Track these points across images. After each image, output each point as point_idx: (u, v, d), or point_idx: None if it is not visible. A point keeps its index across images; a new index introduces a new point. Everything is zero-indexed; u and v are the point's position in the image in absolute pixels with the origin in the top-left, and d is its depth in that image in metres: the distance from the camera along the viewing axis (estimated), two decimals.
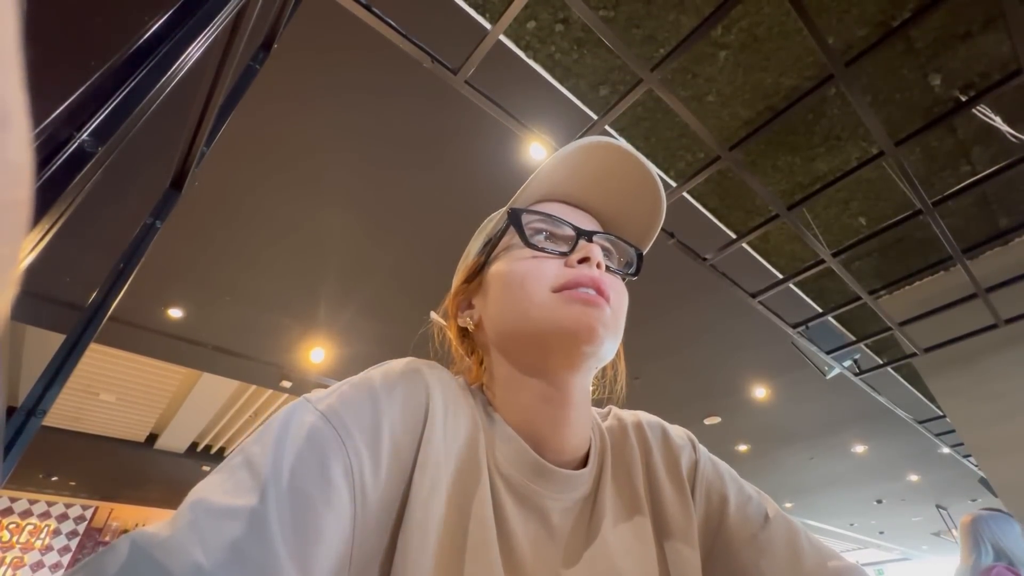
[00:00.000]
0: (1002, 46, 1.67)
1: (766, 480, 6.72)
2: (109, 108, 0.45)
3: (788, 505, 7.99)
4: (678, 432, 0.53)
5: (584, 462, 0.46)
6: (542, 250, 0.44)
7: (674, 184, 2.18)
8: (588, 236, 0.45)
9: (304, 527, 0.28)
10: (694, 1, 1.60)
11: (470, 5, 1.60)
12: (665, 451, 0.50)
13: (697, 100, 1.92)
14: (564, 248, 0.45)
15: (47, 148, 0.40)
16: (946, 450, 4.06)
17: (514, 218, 0.45)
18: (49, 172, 0.39)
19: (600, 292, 0.41)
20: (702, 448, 0.52)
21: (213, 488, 0.29)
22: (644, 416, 0.54)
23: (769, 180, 2.25)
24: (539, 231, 0.46)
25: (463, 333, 0.52)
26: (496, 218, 0.52)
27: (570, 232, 0.45)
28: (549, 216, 0.46)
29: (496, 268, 0.46)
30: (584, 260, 0.43)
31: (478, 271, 0.48)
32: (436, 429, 0.38)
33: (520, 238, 0.44)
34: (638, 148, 2.10)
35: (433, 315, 0.56)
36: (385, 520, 0.33)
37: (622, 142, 0.46)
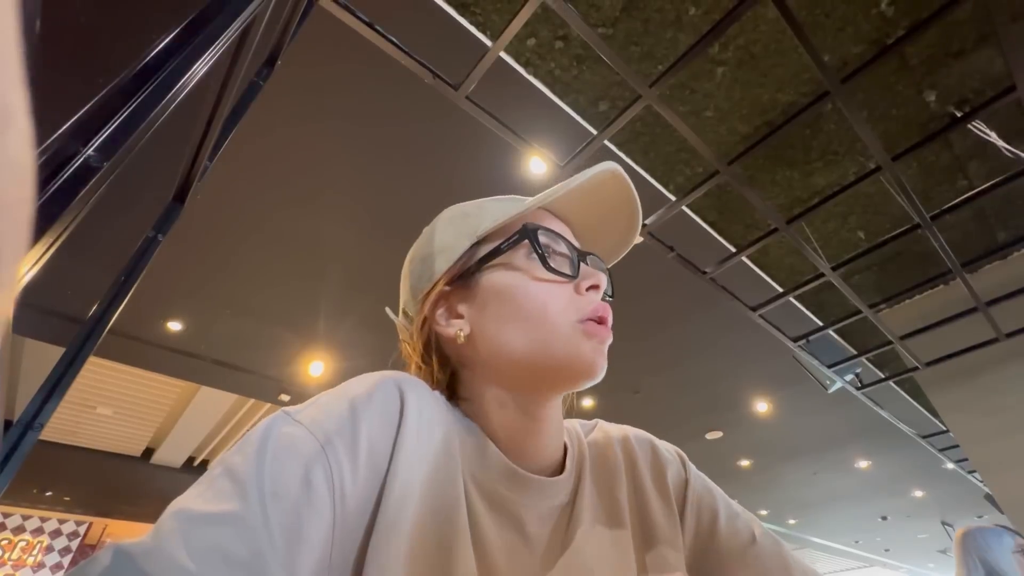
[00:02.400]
0: (995, 63, 1.70)
1: (769, 496, 6.64)
2: (115, 124, 0.45)
3: (792, 522, 7.88)
4: (667, 447, 0.53)
5: (560, 469, 0.46)
6: (558, 273, 0.44)
7: (673, 198, 2.20)
8: (584, 258, 0.46)
9: (287, 529, 0.29)
10: (691, 19, 1.63)
11: (471, 23, 1.63)
12: (653, 463, 0.51)
13: (695, 115, 1.94)
14: (565, 268, 0.45)
15: (53, 163, 0.40)
16: (950, 465, 4.02)
17: (533, 236, 0.44)
18: (55, 187, 0.40)
19: (605, 321, 0.44)
20: (691, 464, 0.53)
21: (194, 498, 0.29)
22: (632, 431, 0.54)
23: (768, 194, 2.27)
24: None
25: (430, 340, 0.47)
26: (474, 213, 0.49)
27: (565, 250, 0.46)
28: (553, 233, 0.46)
29: (500, 281, 0.44)
30: (592, 288, 0.44)
31: (467, 276, 0.46)
32: (409, 435, 0.38)
33: (540, 262, 0.43)
34: (637, 163, 2.12)
35: (398, 320, 0.52)
36: (360, 523, 0.34)
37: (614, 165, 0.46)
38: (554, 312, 0.42)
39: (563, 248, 0.46)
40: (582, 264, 0.45)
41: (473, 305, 0.45)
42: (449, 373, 0.47)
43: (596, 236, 0.51)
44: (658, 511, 0.47)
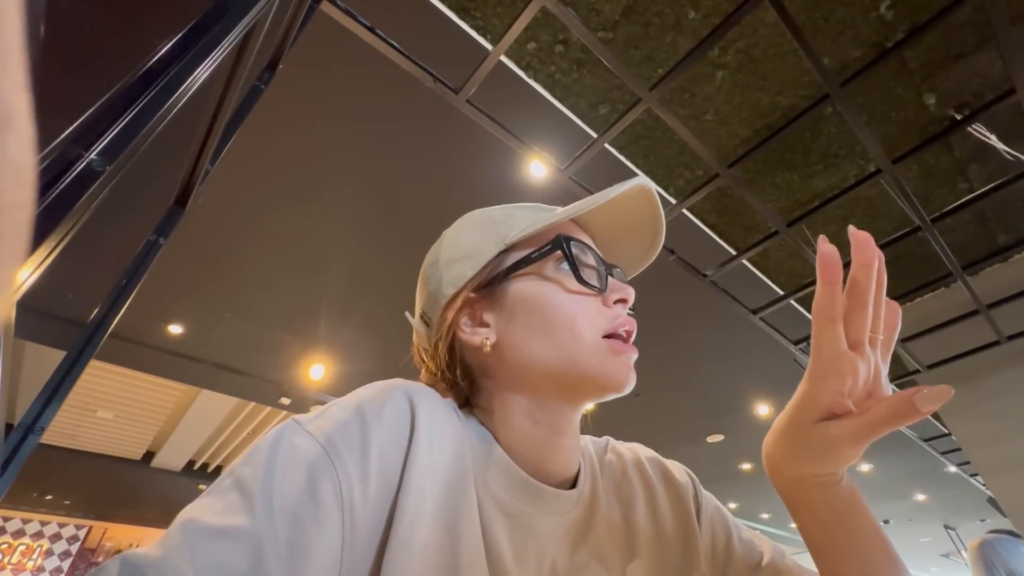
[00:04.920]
0: (994, 66, 1.70)
1: (771, 500, 6.61)
2: (118, 128, 0.45)
3: (793, 525, 7.84)
4: (677, 468, 0.54)
5: (574, 483, 0.46)
6: (589, 286, 0.43)
7: (673, 201, 2.20)
8: (610, 271, 0.47)
9: (294, 548, 0.29)
10: (691, 23, 1.63)
11: (471, 27, 1.64)
12: (667, 487, 0.51)
13: (695, 119, 1.95)
14: (595, 281, 0.44)
15: (57, 167, 0.40)
16: (953, 469, 4.01)
17: (567, 249, 0.44)
18: (57, 190, 0.40)
19: (631, 336, 0.45)
20: (700, 484, 0.53)
21: (203, 509, 0.29)
22: (643, 452, 0.54)
23: (768, 197, 2.27)
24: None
25: (453, 346, 0.46)
26: (501, 219, 0.47)
27: (594, 263, 0.45)
28: (583, 245, 0.45)
29: (529, 292, 0.44)
30: (620, 301, 0.45)
31: (494, 283, 0.45)
32: (421, 450, 0.37)
33: (572, 274, 0.43)
34: (637, 166, 2.12)
35: (416, 324, 0.50)
36: (372, 540, 0.33)
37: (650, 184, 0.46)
38: (583, 326, 0.42)
39: (592, 260, 0.45)
40: (609, 277, 0.46)
41: (501, 314, 0.44)
42: (469, 381, 0.47)
43: (616, 248, 0.51)
44: (677, 536, 0.47)
